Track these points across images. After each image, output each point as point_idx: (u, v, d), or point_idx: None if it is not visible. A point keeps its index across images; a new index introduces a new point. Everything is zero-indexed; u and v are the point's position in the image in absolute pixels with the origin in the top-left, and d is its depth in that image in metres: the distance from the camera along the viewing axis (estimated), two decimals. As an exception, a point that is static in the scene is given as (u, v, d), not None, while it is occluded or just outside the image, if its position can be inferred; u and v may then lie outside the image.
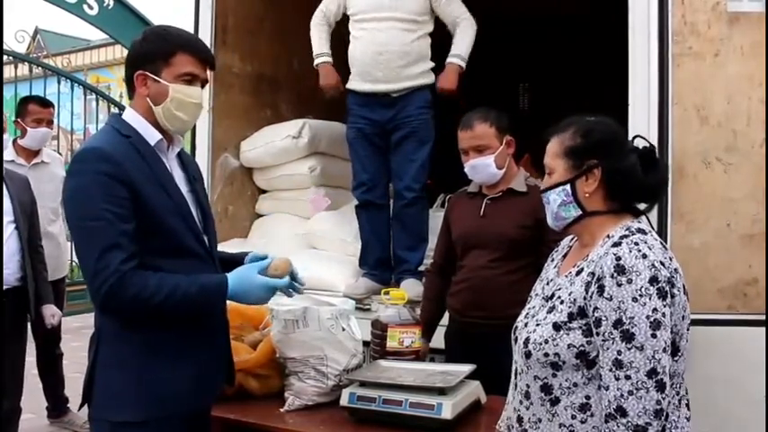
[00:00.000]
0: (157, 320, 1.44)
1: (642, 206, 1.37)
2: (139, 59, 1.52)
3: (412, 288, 2.61)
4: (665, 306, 1.17)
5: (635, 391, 1.15)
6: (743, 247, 2.25)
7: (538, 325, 1.29)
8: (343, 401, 1.74)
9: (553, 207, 1.35)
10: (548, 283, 1.40)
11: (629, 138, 1.40)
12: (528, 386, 1.30)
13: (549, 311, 1.29)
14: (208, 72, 1.57)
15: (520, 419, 1.32)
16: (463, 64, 2.87)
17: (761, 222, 2.24)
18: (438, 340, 2.34)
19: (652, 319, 1.16)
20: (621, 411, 1.15)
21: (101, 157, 1.42)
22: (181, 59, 1.51)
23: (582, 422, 1.23)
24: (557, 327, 1.25)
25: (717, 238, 2.25)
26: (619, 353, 1.17)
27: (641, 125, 2.21)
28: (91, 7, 6.12)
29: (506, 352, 2.04)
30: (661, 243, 1.26)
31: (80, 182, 1.42)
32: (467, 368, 1.83)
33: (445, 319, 2.37)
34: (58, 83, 6.28)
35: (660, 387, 1.15)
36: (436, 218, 2.72)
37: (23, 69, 6.61)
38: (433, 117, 2.88)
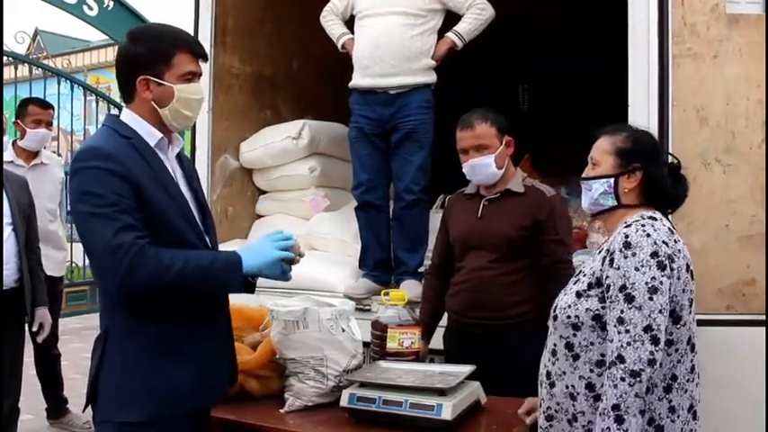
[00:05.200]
0: (175, 295, 1.43)
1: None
2: (138, 63, 1.49)
3: (411, 289, 2.61)
4: (662, 276, 1.39)
5: (632, 343, 1.37)
6: (741, 248, 2.26)
7: (566, 294, 1.54)
8: (343, 402, 1.74)
9: (594, 194, 1.57)
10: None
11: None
12: (555, 345, 1.53)
13: (575, 283, 1.54)
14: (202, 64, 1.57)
15: (548, 374, 1.54)
16: (458, 40, 2.85)
17: (759, 223, 2.25)
18: (437, 341, 2.34)
19: (650, 286, 1.38)
20: (621, 359, 1.37)
21: (102, 155, 1.42)
22: (180, 59, 1.51)
23: (598, 375, 1.45)
24: (578, 294, 1.49)
25: (716, 239, 2.26)
26: (621, 312, 1.39)
27: (641, 126, 2.20)
28: (90, 8, 6.13)
29: (505, 352, 2.07)
30: (669, 229, 1.48)
31: (85, 177, 1.42)
32: (467, 369, 1.83)
33: (444, 320, 2.37)
34: (58, 84, 6.29)
35: (654, 341, 1.37)
36: (435, 218, 2.72)
37: (23, 70, 6.62)
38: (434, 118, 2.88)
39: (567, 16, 4.48)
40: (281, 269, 1.55)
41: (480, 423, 1.76)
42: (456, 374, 1.79)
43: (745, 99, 2.27)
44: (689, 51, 2.28)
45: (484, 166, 2.20)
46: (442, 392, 1.68)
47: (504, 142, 2.22)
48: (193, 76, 1.54)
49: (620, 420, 1.34)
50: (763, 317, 2.19)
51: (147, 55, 1.49)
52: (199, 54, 1.55)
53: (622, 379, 1.35)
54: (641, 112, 2.27)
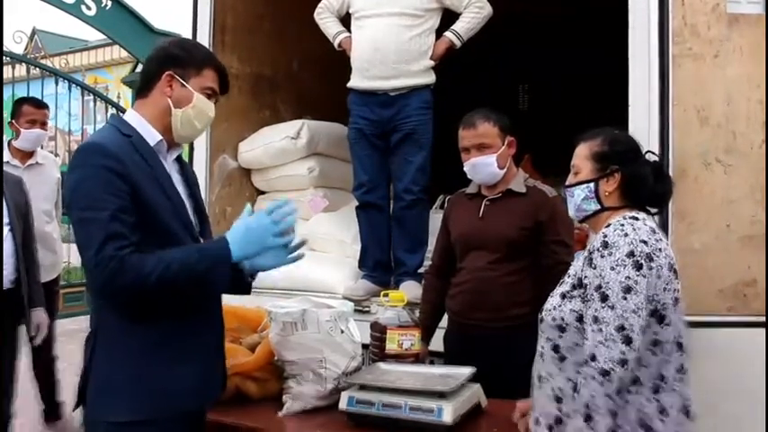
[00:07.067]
0: (163, 298, 1.41)
1: (652, 211, 1.59)
2: (170, 60, 1.54)
3: (411, 290, 2.60)
4: (638, 275, 1.40)
5: (604, 342, 1.38)
6: (742, 248, 2.25)
7: (552, 297, 1.56)
8: (342, 405, 1.73)
9: (577, 200, 1.59)
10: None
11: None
12: (542, 347, 1.54)
13: (560, 285, 1.56)
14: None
15: (539, 377, 1.55)
16: (456, 39, 2.84)
17: (760, 223, 2.24)
18: (437, 343, 2.33)
19: (624, 285, 1.39)
20: (593, 357, 1.39)
21: (102, 152, 1.42)
22: (209, 74, 1.57)
23: None
24: (563, 296, 1.52)
25: (716, 239, 2.25)
26: (596, 310, 1.41)
27: (641, 126, 2.20)
28: (89, 8, 6.10)
29: (506, 354, 2.05)
30: (651, 228, 1.48)
31: (82, 174, 1.42)
32: (467, 371, 1.82)
33: (444, 321, 2.35)
34: (56, 83, 6.25)
35: (627, 341, 1.37)
36: (436, 219, 2.71)
37: (21, 70, 6.60)
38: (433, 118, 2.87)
39: (567, 16, 4.48)
40: (282, 258, 1.50)
41: (481, 426, 1.75)
42: (456, 377, 1.78)
43: (745, 99, 2.26)
44: (689, 51, 2.27)
45: (485, 165, 2.19)
46: (442, 395, 1.67)
47: (506, 142, 2.21)
48: (213, 93, 1.59)
49: (588, 419, 1.37)
50: (764, 318, 2.19)
51: (182, 56, 1.55)
52: (224, 81, 1.61)
53: (593, 378, 1.37)
54: (641, 112, 2.26)
